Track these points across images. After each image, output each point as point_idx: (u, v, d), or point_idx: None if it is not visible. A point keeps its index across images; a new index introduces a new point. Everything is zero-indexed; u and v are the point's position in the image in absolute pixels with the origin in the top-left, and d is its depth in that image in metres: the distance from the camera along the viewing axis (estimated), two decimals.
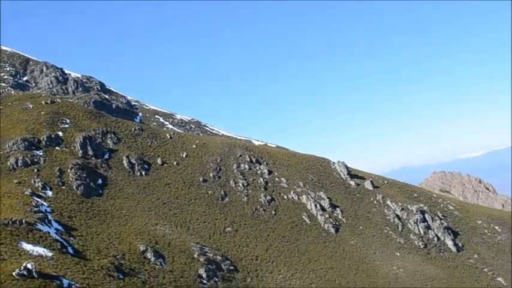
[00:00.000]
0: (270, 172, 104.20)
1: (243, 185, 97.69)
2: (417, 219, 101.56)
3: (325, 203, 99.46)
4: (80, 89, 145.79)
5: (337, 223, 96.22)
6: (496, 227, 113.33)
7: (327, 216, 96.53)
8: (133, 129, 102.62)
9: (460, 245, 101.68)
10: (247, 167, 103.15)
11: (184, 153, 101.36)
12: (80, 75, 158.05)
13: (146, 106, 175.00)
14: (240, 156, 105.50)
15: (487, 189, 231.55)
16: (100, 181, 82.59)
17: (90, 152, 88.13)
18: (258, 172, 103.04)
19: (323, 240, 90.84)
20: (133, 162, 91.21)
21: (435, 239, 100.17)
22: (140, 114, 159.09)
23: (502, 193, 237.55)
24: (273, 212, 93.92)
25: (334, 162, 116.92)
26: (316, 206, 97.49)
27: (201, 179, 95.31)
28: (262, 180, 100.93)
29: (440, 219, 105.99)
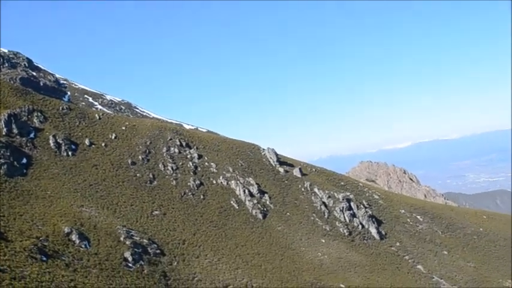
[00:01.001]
0: (199, 156, 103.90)
1: (172, 168, 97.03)
2: (343, 207, 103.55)
3: (254, 189, 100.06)
4: (6, 64, 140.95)
5: (265, 209, 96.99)
6: (418, 217, 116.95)
7: (255, 202, 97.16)
8: (61, 108, 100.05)
9: (383, 233, 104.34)
10: (177, 150, 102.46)
11: (113, 135, 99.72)
12: (6, 51, 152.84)
13: (75, 85, 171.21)
14: (170, 139, 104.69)
15: (411, 179, 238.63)
16: (24, 160, 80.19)
17: (15, 131, 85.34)
18: (188, 156, 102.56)
19: (250, 226, 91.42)
20: (60, 142, 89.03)
21: (360, 226, 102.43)
22: (69, 93, 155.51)
23: (425, 184, 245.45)
24: (202, 197, 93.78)
25: (264, 149, 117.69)
26: (244, 191, 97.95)
27: (129, 162, 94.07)
28: (191, 164, 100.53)
29: (365, 207, 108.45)
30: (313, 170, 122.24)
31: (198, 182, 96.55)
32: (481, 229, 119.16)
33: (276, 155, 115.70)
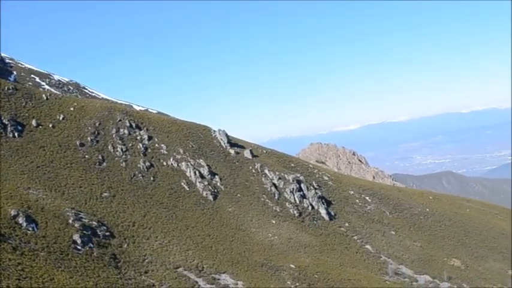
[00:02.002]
0: (150, 138, 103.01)
1: (121, 150, 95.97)
2: (293, 189, 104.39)
3: (205, 171, 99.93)
4: None
5: (215, 190, 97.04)
6: (367, 198, 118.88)
7: (206, 183, 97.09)
8: (6, 88, 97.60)
9: (332, 213, 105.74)
10: (126, 132, 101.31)
11: (61, 116, 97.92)
12: None
13: (22, 65, 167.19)
14: (120, 120, 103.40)
15: (360, 161, 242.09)
16: None
17: None
18: (138, 138, 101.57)
19: (201, 207, 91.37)
20: (6, 123, 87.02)
21: (309, 207, 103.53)
22: (15, 72, 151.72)
23: (374, 165, 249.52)
24: (152, 179, 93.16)
25: (214, 131, 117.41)
26: (195, 173, 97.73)
27: (78, 143, 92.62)
28: (141, 146, 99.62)
29: (315, 188, 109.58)
30: (264, 151, 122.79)
31: (148, 163, 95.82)
32: (427, 209, 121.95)
33: (227, 136, 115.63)
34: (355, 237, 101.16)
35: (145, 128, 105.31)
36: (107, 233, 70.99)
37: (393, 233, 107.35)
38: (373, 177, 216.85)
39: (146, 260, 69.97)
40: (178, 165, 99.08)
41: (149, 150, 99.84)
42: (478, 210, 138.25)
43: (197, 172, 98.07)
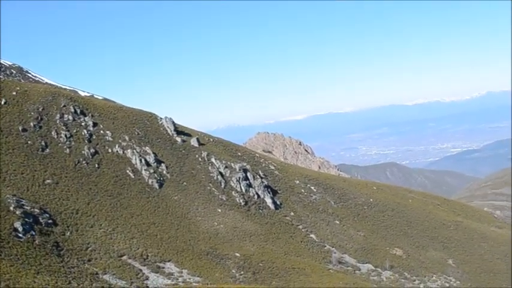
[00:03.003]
0: (95, 124, 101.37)
1: (65, 136, 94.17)
2: (239, 177, 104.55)
3: (151, 158, 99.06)
4: None
5: (161, 178, 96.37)
6: (312, 187, 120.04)
7: (152, 171, 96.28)
8: None
9: (278, 203, 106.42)
10: (71, 118, 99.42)
11: (3, 100, 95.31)
12: None
13: None
14: (64, 106, 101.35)
15: (306, 151, 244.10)
16: None
17: None
18: (83, 124, 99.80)
19: (146, 195, 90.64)
20: None
21: (255, 196, 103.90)
22: None
23: (320, 155, 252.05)
24: (96, 166, 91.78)
25: (161, 118, 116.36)
26: (141, 160, 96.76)
27: (20, 128, 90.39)
28: (86, 132, 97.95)
29: (261, 178, 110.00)
30: (211, 140, 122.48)
31: (92, 150, 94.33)
32: (371, 199, 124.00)
33: (174, 124, 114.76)
34: (300, 227, 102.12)
35: (90, 114, 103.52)
36: (50, 221, 69.80)
37: (337, 222, 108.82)
38: (319, 167, 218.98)
39: (90, 248, 69.15)
40: (123, 152, 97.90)
41: (94, 137, 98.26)
42: (420, 200, 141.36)
43: (143, 160, 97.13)
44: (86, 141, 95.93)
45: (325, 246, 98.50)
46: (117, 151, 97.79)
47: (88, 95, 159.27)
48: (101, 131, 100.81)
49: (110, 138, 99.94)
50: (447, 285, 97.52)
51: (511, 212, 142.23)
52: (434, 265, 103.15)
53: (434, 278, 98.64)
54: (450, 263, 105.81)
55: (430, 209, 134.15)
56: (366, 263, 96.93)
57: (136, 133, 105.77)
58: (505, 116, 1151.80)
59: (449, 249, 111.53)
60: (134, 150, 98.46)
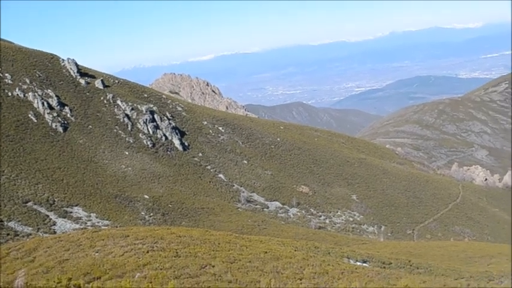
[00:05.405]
0: None
1: None
2: (146, 119, 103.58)
3: (54, 102, 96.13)
4: None
5: (65, 122, 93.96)
6: (220, 128, 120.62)
7: (55, 115, 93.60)
8: None
9: (186, 144, 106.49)
10: None
11: None
12: None
13: None
14: None
15: (214, 92, 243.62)
16: None
17: None
18: None
19: (50, 140, 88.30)
20: None
21: (163, 138, 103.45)
22: None
23: (227, 96, 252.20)
24: None
25: (63, 59, 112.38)
26: (43, 104, 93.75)
27: None
28: None
29: (169, 119, 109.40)
30: (116, 81, 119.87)
31: None
32: (278, 139, 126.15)
33: (77, 65, 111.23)
34: (209, 167, 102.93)
35: None
36: None
37: (245, 162, 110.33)
38: (226, 108, 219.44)
39: None
40: (24, 95, 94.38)
41: None
42: (326, 139, 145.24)
43: (45, 103, 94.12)
44: None
45: (234, 185, 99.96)
46: (17, 94, 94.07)
47: None
48: (0, 74, 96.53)
49: (10, 81, 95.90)
50: (351, 219, 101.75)
51: None
52: (339, 201, 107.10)
53: (339, 213, 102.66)
54: (354, 198, 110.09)
55: (335, 147, 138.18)
56: (274, 200, 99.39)
57: (37, 75, 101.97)
58: (406, 56, 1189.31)
59: (353, 186, 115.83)
60: (36, 93, 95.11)
